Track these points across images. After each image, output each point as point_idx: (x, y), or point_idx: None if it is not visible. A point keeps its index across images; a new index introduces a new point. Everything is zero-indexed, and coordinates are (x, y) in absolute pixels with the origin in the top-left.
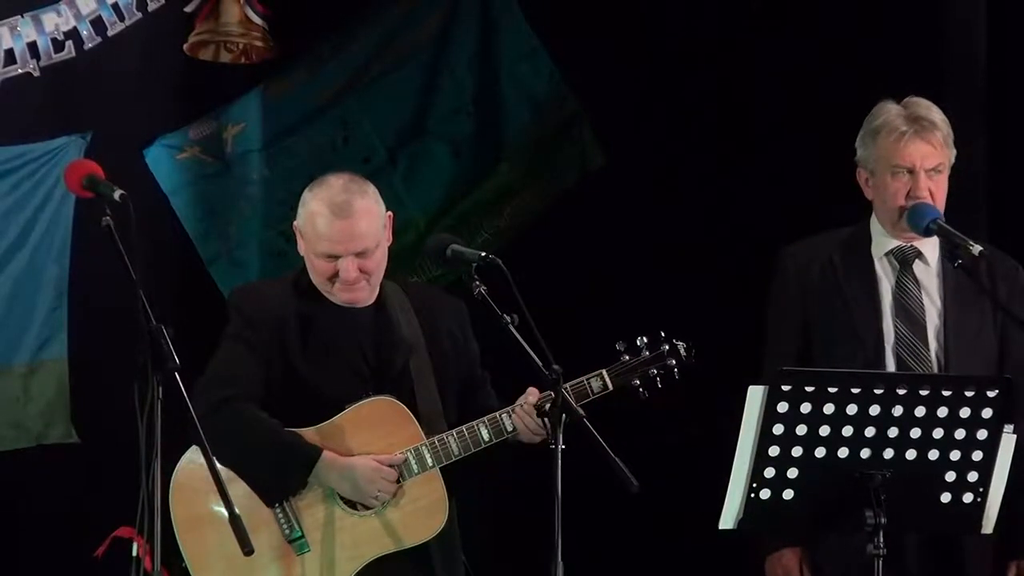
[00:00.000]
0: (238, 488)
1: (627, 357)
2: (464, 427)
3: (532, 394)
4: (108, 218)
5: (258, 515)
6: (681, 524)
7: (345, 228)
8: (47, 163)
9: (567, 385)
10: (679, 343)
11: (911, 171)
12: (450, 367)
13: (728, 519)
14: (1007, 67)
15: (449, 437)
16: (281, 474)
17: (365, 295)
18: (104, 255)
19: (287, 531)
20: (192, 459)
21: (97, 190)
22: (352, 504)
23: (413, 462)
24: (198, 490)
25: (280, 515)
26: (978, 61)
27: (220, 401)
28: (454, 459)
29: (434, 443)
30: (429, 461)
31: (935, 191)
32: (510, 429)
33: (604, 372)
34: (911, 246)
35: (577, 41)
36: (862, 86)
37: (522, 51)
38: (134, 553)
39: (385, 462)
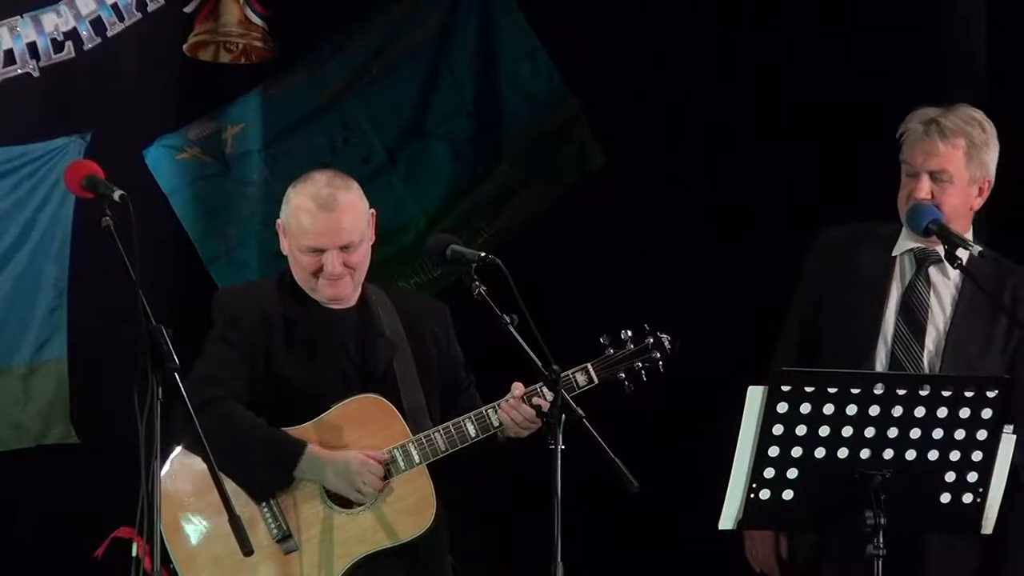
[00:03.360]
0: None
1: (612, 350)
2: (451, 423)
3: (518, 388)
4: (108, 218)
5: (246, 515)
6: (681, 524)
7: (330, 221)
8: (47, 163)
9: None
10: (663, 336)
11: (917, 172)
12: (433, 368)
13: (728, 519)
14: (1007, 67)
15: (435, 433)
16: (267, 469)
17: (348, 291)
18: (104, 255)
19: (275, 531)
20: (179, 461)
21: (97, 190)
22: (341, 502)
23: (400, 459)
24: (185, 492)
25: (267, 514)
26: (978, 61)
27: (204, 402)
28: (441, 455)
29: (420, 440)
30: (416, 458)
31: (940, 199)
32: (496, 424)
33: (589, 366)
34: (933, 249)
35: (577, 41)
36: (862, 86)
37: (522, 51)
38: (134, 553)
39: (372, 457)
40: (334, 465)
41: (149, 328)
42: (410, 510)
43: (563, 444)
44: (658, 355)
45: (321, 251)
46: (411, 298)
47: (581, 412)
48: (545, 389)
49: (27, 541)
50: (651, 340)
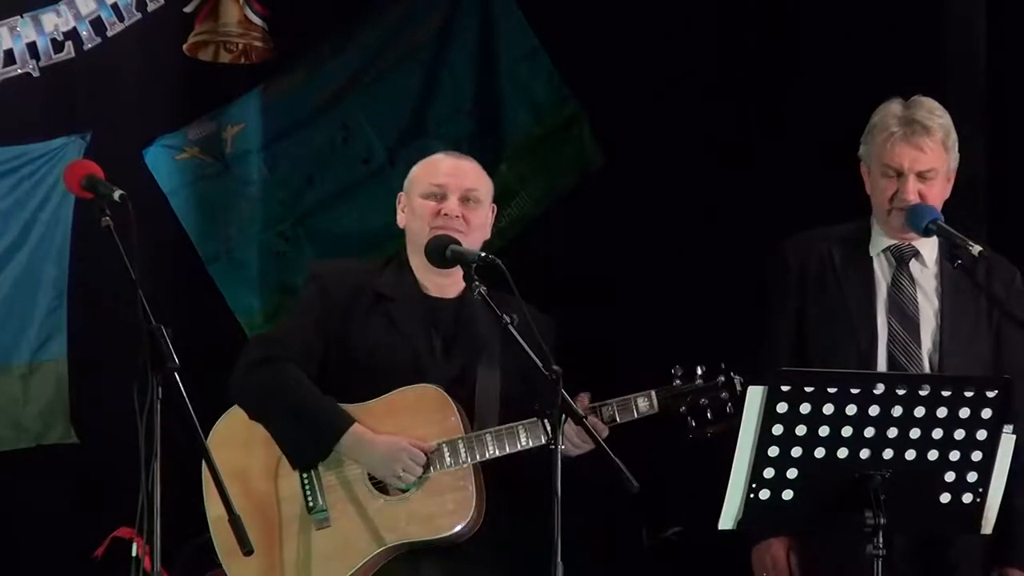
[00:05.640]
0: (269, 457)
1: (679, 382)
2: (503, 427)
3: (582, 400)
4: (108, 218)
5: (285, 487)
6: (681, 524)
7: (459, 165)
8: (47, 163)
9: (614, 401)
10: (736, 377)
11: (900, 173)
12: (518, 377)
13: (727, 519)
14: (1007, 67)
15: (486, 434)
16: (309, 438)
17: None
18: (104, 255)
19: (311, 503)
20: (229, 416)
21: (97, 190)
22: (382, 487)
23: (446, 453)
24: (229, 447)
25: (307, 487)
26: (978, 61)
27: (260, 359)
28: (488, 457)
29: (470, 438)
30: (463, 455)
31: (926, 194)
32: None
33: (652, 393)
34: (909, 245)
35: (577, 41)
36: (862, 86)
37: (522, 51)
38: (133, 553)
39: (417, 445)
40: (376, 447)
41: (149, 328)
42: (449, 508)
43: (563, 445)
44: (727, 395)
45: (442, 195)
46: (515, 305)
47: (582, 413)
48: (605, 409)
49: (27, 541)
50: (722, 379)
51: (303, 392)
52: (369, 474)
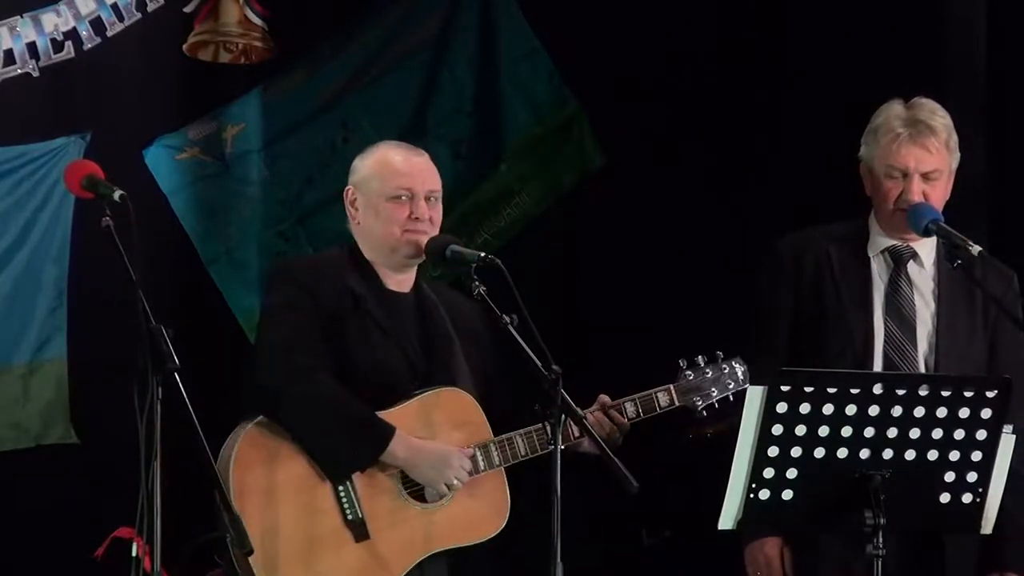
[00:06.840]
0: (300, 468)
1: (690, 375)
2: (532, 428)
3: (604, 399)
4: (108, 218)
5: (320, 498)
6: (680, 524)
7: (420, 163)
8: (47, 163)
9: (636, 396)
10: (738, 366)
11: (905, 174)
12: (478, 364)
13: (727, 519)
14: (1007, 67)
15: (517, 436)
16: (354, 449)
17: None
18: (104, 255)
19: (349, 516)
20: (256, 429)
21: (97, 190)
22: (417, 496)
23: (480, 458)
24: (260, 467)
25: (344, 498)
26: (978, 61)
27: (304, 369)
28: (520, 459)
29: (502, 441)
30: (496, 459)
31: (930, 195)
32: (577, 435)
33: (672, 387)
34: (907, 245)
35: (577, 41)
36: (862, 86)
37: (522, 51)
38: (133, 553)
39: (463, 451)
40: (427, 454)
41: (149, 328)
42: (485, 512)
43: (562, 445)
44: (731, 384)
45: (410, 197)
46: (450, 293)
47: (581, 413)
48: (628, 405)
49: (27, 541)
50: (726, 368)
51: (345, 402)
52: (404, 482)
